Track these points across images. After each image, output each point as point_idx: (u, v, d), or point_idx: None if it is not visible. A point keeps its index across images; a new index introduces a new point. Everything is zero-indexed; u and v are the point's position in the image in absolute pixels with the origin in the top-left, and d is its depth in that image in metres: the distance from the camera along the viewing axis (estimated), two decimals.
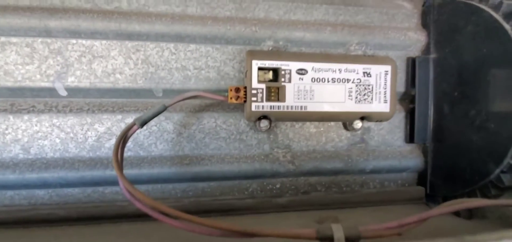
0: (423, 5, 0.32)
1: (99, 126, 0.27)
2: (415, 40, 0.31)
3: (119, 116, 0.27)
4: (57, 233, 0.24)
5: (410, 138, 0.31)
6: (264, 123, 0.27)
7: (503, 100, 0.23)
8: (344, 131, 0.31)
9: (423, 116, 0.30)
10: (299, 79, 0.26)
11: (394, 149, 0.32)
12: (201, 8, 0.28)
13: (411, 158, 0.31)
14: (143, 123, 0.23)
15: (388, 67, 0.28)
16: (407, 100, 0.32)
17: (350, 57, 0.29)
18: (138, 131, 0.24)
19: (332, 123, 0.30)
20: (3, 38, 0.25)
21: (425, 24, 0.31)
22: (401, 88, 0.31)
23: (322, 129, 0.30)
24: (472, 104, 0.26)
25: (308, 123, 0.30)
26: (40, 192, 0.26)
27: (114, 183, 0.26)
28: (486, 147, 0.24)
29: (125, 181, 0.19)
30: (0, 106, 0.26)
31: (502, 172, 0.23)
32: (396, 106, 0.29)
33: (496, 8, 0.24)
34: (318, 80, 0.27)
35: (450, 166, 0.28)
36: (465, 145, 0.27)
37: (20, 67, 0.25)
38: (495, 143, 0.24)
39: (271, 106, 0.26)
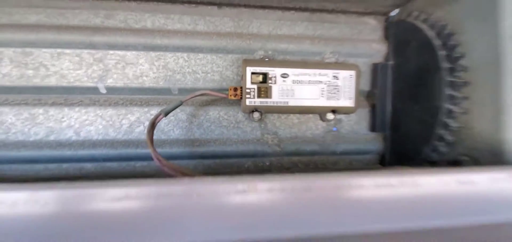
0: (385, 21, 0.39)
1: (130, 116, 0.35)
2: (378, 50, 0.39)
3: (146, 109, 0.35)
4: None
5: (372, 127, 0.39)
6: (256, 115, 0.35)
7: (431, 97, 0.31)
8: (320, 121, 0.39)
9: (382, 111, 0.38)
10: (283, 81, 0.34)
11: (360, 136, 0.40)
12: (207, 26, 0.36)
13: (373, 143, 0.40)
14: (166, 113, 0.32)
15: (352, 72, 0.36)
16: (371, 98, 0.40)
17: (322, 64, 0.37)
18: (160, 120, 0.32)
19: (310, 115, 0.39)
20: (59, 50, 0.34)
21: (386, 37, 0.39)
22: (366, 87, 0.39)
23: (302, 120, 0.39)
24: (415, 102, 0.34)
25: (291, 115, 0.38)
26: (88, 165, 0.35)
27: (143, 159, 0.35)
28: (422, 133, 0.33)
29: (155, 153, 0.27)
30: (58, 101, 0.34)
31: (432, 150, 0.31)
32: (359, 102, 0.37)
33: (431, 27, 0.32)
34: (297, 82, 0.35)
35: (401, 149, 0.37)
36: (411, 133, 0.35)
37: (72, 71, 0.34)
38: (427, 129, 0.32)
39: (261, 101, 0.34)
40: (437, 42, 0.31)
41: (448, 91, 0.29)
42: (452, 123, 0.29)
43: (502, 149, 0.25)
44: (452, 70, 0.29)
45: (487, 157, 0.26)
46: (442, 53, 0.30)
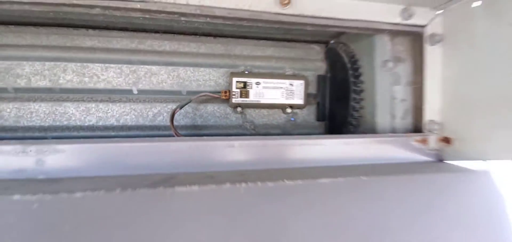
0: (325, 48, 0.59)
1: (154, 109, 0.52)
2: (320, 66, 0.58)
3: (164, 105, 0.52)
4: None
5: (317, 118, 0.59)
6: (239, 109, 0.53)
7: (346, 98, 0.51)
8: (282, 114, 0.58)
9: (323, 107, 0.58)
10: (256, 87, 0.53)
11: (309, 123, 0.59)
12: (206, 49, 0.54)
13: (318, 128, 0.59)
14: (181, 107, 0.49)
15: (303, 81, 0.55)
16: (316, 98, 0.59)
17: (283, 75, 0.55)
18: (177, 111, 0.50)
19: (275, 109, 0.57)
20: (106, 65, 0.50)
21: (325, 58, 0.59)
22: (313, 91, 0.59)
23: (270, 112, 0.57)
24: (340, 101, 0.54)
25: (262, 109, 0.57)
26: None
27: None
28: (343, 119, 0.52)
29: (174, 130, 0.45)
30: (104, 99, 0.50)
31: (348, 129, 0.51)
32: (308, 101, 0.56)
33: (346, 54, 0.52)
34: (266, 87, 0.53)
35: (334, 129, 0.56)
36: (338, 119, 0.54)
37: (115, 79, 0.50)
38: (345, 117, 0.51)
39: (242, 100, 0.52)
40: (348, 64, 0.51)
41: (353, 95, 0.49)
42: (355, 114, 0.49)
43: (375, 127, 0.45)
44: (355, 83, 0.49)
45: (369, 130, 0.46)
46: (350, 72, 0.50)
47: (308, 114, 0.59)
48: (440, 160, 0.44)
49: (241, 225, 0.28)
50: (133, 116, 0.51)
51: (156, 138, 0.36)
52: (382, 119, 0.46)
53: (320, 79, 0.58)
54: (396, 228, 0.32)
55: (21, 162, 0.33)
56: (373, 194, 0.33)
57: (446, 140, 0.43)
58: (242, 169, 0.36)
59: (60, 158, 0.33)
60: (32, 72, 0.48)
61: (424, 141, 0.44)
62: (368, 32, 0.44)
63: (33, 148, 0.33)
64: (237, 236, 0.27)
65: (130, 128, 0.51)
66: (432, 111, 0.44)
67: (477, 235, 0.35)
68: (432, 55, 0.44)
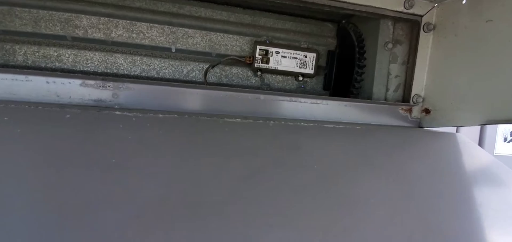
0: (337, 26, 0.68)
1: (188, 67, 0.62)
2: (331, 42, 0.68)
3: (196, 63, 0.62)
4: None
5: (324, 87, 0.69)
6: (259, 73, 0.64)
7: (351, 71, 0.61)
8: (294, 81, 0.68)
9: (330, 78, 0.68)
10: (276, 55, 0.63)
11: (317, 91, 0.70)
12: (235, 18, 0.62)
13: (325, 94, 0.70)
14: (213, 66, 0.59)
15: (315, 54, 0.65)
16: (325, 70, 0.69)
17: (299, 48, 0.65)
18: (210, 70, 0.60)
19: (289, 76, 0.68)
20: (151, 24, 0.59)
21: (336, 36, 0.68)
22: (323, 64, 0.69)
23: (285, 78, 0.68)
24: (345, 73, 0.64)
25: (278, 75, 0.67)
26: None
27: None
28: (346, 88, 0.63)
29: (206, 84, 0.55)
30: (148, 53, 0.60)
31: (350, 96, 0.62)
32: (317, 72, 0.66)
33: (354, 34, 0.61)
34: (284, 56, 0.63)
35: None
36: (342, 88, 0.65)
37: (157, 37, 0.60)
38: (348, 86, 0.62)
39: (263, 65, 0.62)
40: (356, 42, 0.60)
41: (356, 69, 0.59)
42: (356, 85, 0.60)
43: (371, 97, 0.56)
44: (359, 59, 0.59)
45: (366, 99, 0.58)
46: (357, 49, 0.60)
47: (316, 84, 0.70)
48: (420, 127, 0.56)
49: (273, 148, 0.39)
50: (171, 70, 0.62)
51: (201, 86, 0.47)
52: (377, 90, 0.57)
53: (330, 54, 0.68)
54: (378, 164, 0.44)
55: (101, 93, 0.43)
56: (363, 140, 0.45)
57: (426, 111, 0.55)
58: (263, 116, 0.48)
59: (131, 93, 0.44)
60: (88, 25, 0.57)
61: (409, 110, 0.56)
62: (375, 16, 0.53)
63: (111, 84, 0.43)
64: (272, 155, 0.39)
65: (168, 80, 0.61)
66: (418, 86, 0.55)
67: (445, 179, 0.48)
68: (425, 40, 0.54)
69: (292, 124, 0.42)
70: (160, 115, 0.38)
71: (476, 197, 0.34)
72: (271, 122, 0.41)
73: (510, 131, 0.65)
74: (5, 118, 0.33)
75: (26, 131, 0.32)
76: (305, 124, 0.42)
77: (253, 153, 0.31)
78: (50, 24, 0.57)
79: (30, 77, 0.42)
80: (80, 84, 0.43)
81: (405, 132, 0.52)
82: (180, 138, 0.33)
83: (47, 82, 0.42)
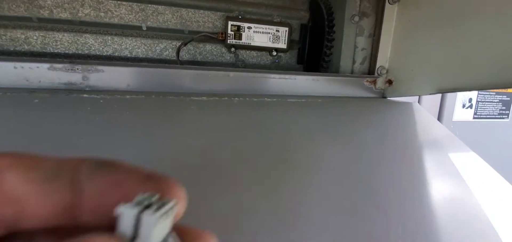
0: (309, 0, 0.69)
1: (161, 45, 0.63)
2: (304, 16, 0.69)
3: (169, 41, 0.63)
4: None
5: (297, 61, 0.72)
6: (233, 49, 0.65)
7: (321, 44, 0.63)
8: (268, 56, 0.70)
9: (303, 52, 0.70)
10: (248, 30, 0.64)
11: (291, 65, 0.72)
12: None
13: (299, 69, 0.72)
14: (185, 44, 0.60)
15: (287, 28, 0.66)
16: (298, 44, 0.71)
17: (271, 22, 0.66)
18: (183, 48, 0.61)
19: (263, 52, 0.69)
20: (119, 2, 0.58)
21: (309, 9, 0.69)
22: (296, 38, 0.70)
23: (259, 54, 0.69)
24: (316, 46, 0.66)
25: (252, 51, 0.68)
26: None
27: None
28: (317, 61, 0.65)
29: (179, 62, 0.57)
30: (118, 32, 0.60)
31: (320, 70, 0.65)
32: (290, 46, 0.68)
33: (325, 7, 0.62)
34: (256, 32, 0.64)
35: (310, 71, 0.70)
36: (313, 62, 0.67)
37: (126, 15, 0.59)
38: (318, 60, 0.64)
39: (235, 41, 0.63)
40: (326, 16, 0.62)
41: (326, 42, 0.61)
42: (326, 58, 0.62)
43: (339, 69, 0.59)
44: (328, 32, 0.61)
45: (335, 72, 0.60)
46: (326, 22, 0.61)
47: (290, 58, 0.72)
48: (384, 97, 0.60)
49: (235, 123, 0.43)
50: (143, 49, 0.62)
51: (171, 65, 0.48)
52: (344, 63, 0.59)
53: (303, 27, 0.69)
54: (331, 132, 0.48)
55: (70, 76, 0.45)
56: (323, 112, 0.48)
57: (389, 82, 0.58)
58: (234, 93, 0.50)
59: (101, 75, 0.45)
60: (53, 5, 0.56)
61: (373, 82, 0.59)
62: None
63: (80, 67, 0.44)
64: (232, 130, 0.42)
65: (141, 59, 0.62)
66: (383, 58, 0.58)
67: (392, 144, 0.52)
68: (390, 12, 0.56)
69: (256, 99, 0.45)
70: (127, 97, 0.40)
71: (416, 159, 0.39)
72: (236, 98, 0.44)
73: (469, 97, 0.70)
74: None
75: None
76: (269, 99, 0.45)
77: (212, 129, 0.34)
78: (13, 6, 0.56)
79: None
80: (48, 68, 0.44)
81: (366, 102, 0.56)
82: (144, 118, 0.35)
83: (15, 67, 0.43)
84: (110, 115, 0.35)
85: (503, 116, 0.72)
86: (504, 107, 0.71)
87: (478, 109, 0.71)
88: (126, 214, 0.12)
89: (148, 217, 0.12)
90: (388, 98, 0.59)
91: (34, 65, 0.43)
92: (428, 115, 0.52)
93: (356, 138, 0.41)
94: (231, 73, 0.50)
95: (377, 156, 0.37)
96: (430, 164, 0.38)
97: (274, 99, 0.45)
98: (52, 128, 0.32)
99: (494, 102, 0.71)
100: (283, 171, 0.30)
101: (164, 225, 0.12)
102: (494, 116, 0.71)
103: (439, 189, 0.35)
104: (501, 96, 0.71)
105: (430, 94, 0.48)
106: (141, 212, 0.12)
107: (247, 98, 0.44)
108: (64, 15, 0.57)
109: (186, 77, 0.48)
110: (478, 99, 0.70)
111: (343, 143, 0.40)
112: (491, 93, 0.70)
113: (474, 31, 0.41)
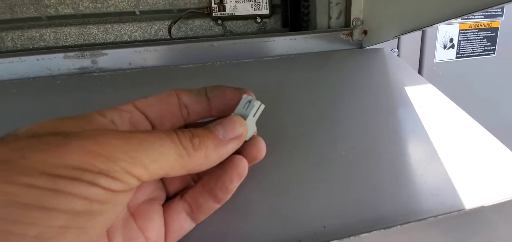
0: None
1: (155, 26, 0.71)
2: None
3: (161, 22, 0.70)
4: None
5: (283, 25, 0.77)
6: (219, 21, 0.72)
7: (300, 6, 0.68)
8: (254, 23, 0.76)
9: (285, 15, 0.75)
10: (230, 1, 0.70)
11: (276, 29, 0.78)
12: None
13: (284, 31, 0.78)
14: (174, 22, 0.67)
15: None
16: (281, 8, 0.76)
17: None
18: (173, 26, 0.68)
19: (248, 20, 0.75)
20: None
21: None
22: (278, 2, 0.75)
23: (245, 23, 0.75)
24: (296, 10, 0.71)
25: (239, 21, 0.75)
26: None
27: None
28: (299, 22, 0.71)
29: (171, 40, 0.65)
30: (116, 20, 0.68)
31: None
32: (272, 11, 0.73)
33: None
34: (238, 1, 0.70)
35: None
36: (296, 24, 0.73)
37: (120, 3, 0.67)
38: (299, 21, 0.70)
39: (220, 14, 0.70)
40: None
41: (303, 1, 0.66)
42: (305, 18, 0.68)
43: (317, 26, 0.65)
44: None
45: (313, 29, 0.66)
46: None
47: (275, 23, 0.77)
48: (361, 47, 0.65)
49: (212, 81, 0.51)
50: (140, 33, 0.70)
51: (162, 41, 0.57)
52: (321, 19, 0.65)
53: None
54: (326, 85, 0.56)
55: (82, 62, 0.54)
56: (300, 65, 0.55)
57: (365, 32, 0.63)
58: (219, 60, 0.58)
59: (106, 58, 0.55)
60: (56, 2, 0.65)
61: (350, 34, 0.64)
62: None
63: (88, 53, 0.54)
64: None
65: (139, 41, 0.71)
66: (357, 11, 0.63)
67: (376, 88, 0.59)
68: None
69: (235, 62, 0.52)
70: (128, 71, 0.49)
71: (379, 104, 0.46)
72: (218, 62, 0.52)
73: (450, 37, 0.72)
74: (14, 90, 0.45)
75: (31, 97, 0.44)
76: (246, 60, 0.53)
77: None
78: (24, 8, 0.65)
79: (23, 58, 0.53)
80: (63, 57, 0.54)
81: (343, 54, 0.62)
82: (142, 85, 0.45)
83: (37, 60, 0.53)
84: (116, 86, 0.44)
85: (489, 52, 0.74)
86: (489, 43, 0.73)
87: (460, 48, 0.73)
88: (242, 101, 0.24)
89: (255, 101, 0.24)
90: (366, 48, 0.65)
91: (52, 56, 0.53)
92: (396, 58, 0.57)
93: (321, 83, 0.48)
94: (216, 43, 0.58)
95: (348, 97, 0.45)
96: (388, 97, 0.45)
97: (251, 60, 0.52)
98: (75, 97, 0.42)
99: (478, 39, 0.73)
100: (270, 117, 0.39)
101: (260, 108, 0.24)
102: (479, 53, 0.73)
103: (390, 118, 0.42)
104: (484, 32, 0.72)
105: (394, 37, 0.53)
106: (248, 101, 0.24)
107: (228, 62, 0.52)
108: (68, 11, 0.66)
109: (176, 51, 0.57)
110: (460, 39, 0.72)
111: (307, 88, 0.48)
112: (473, 30, 0.71)
113: None
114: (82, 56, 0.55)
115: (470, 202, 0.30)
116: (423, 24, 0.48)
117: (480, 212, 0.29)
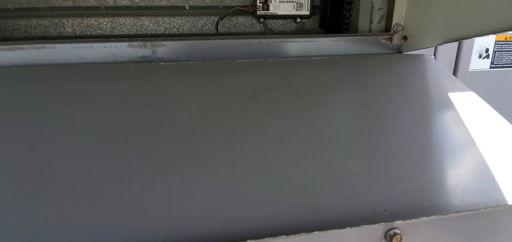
0: None
1: (201, 21, 0.76)
2: None
3: (208, 17, 0.75)
4: None
5: (320, 25, 0.81)
6: (262, 20, 0.76)
7: (341, 9, 0.72)
8: (294, 23, 0.80)
9: (325, 17, 0.79)
10: (274, 1, 0.74)
11: (314, 30, 0.82)
12: None
13: (321, 32, 0.82)
14: (221, 18, 0.72)
15: None
16: (321, 10, 0.80)
17: None
18: (220, 22, 0.73)
19: (288, 20, 0.79)
20: None
21: None
22: (318, 4, 0.79)
23: (285, 22, 0.80)
24: (337, 11, 0.75)
25: (279, 20, 0.79)
26: None
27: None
28: (338, 25, 0.75)
29: (218, 33, 0.70)
30: (167, 13, 0.74)
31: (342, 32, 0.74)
32: (312, 12, 0.77)
33: None
34: (282, 1, 0.74)
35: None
36: (336, 26, 0.77)
37: None
38: (340, 23, 0.74)
39: (264, 12, 0.74)
40: None
41: (345, 5, 0.70)
42: (346, 20, 0.71)
43: (358, 30, 0.68)
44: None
45: (354, 32, 0.70)
46: None
47: (313, 23, 0.81)
48: (400, 52, 0.69)
49: (268, 75, 0.56)
50: (188, 26, 0.76)
51: (215, 37, 0.62)
52: (363, 23, 0.68)
53: None
54: (348, 83, 0.60)
55: (144, 51, 0.60)
56: (346, 66, 0.59)
57: (404, 38, 0.67)
58: (266, 56, 0.63)
59: (164, 49, 0.60)
60: None
61: (390, 39, 0.68)
62: None
63: (149, 43, 0.59)
64: (263, 80, 0.56)
65: (187, 34, 0.76)
66: (398, 17, 0.66)
67: (418, 89, 0.63)
68: None
69: (286, 59, 0.57)
70: (190, 63, 0.55)
71: (424, 107, 0.50)
72: (270, 59, 0.56)
73: (485, 48, 0.75)
74: (93, 74, 0.51)
75: (107, 81, 0.50)
76: (296, 59, 0.57)
77: (254, 80, 0.48)
78: None
79: (93, 44, 0.59)
80: (128, 46, 0.60)
81: (382, 57, 0.66)
82: (208, 77, 0.50)
83: (105, 47, 0.59)
84: (183, 77, 0.50)
85: None
86: None
87: (495, 59, 0.75)
88: None
89: None
90: (404, 53, 0.68)
91: (118, 44, 0.59)
92: (437, 65, 0.60)
93: (369, 85, 0.52)
94: (264, 40, 0.63)
95: (387, 99, 0.49)
96: (432, 103, 0.49)
97: (301, 59, 0.57)
98: (149, 85, 0.48)
99: None
100: (309, 108, 0.43)
101: None
102: None
103: (434, 121, 0.46)
104: None
105: (437, 45, 0.57)
106: None
107: (279, 59, 0.56)
108: (125, 2, 0.72)
109: (227, 46, 0.62)
110: (495, 49, 0.75)
111: (357, 88, 0.52)
112: (509, 42, 0.73)
113: None
114: (144, 46, 0.60)
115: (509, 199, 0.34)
116: (466, 35, 0.51)
117: None
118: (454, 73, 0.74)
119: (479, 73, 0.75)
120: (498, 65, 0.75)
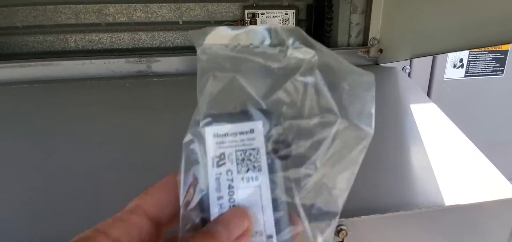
0: None
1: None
2: None
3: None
4: None
5: (308, 32, 0.87)
6: None
7: (323, 19, 0.78)
8: None
9: (309, 30, 0.85)
10: (262, 16, 0.80)
11: None
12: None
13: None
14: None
15: (294, 10, 0.81)
16: (307, 21, 0.86)
17: (280, 6, 0.81)
18: None
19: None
20: (160, 4, 0.78)
21: None
22: (304, 18, 0.85)
23: None
24: (319, 26, 0.81)
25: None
26: None
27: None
28: (320, 38, 0.81)
29: None
30: (162, 28, 0.80)
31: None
32: (298, 25, 0.83)
33: None
34: (268, 16, 0.81)
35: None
36: (318, 40, 0.83)
37: (167, 13, 0.79)
38: (321, 37, 0.80)
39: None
40: None
41: (326, 20, 0.76)
42: (327, 34, 0.77)
43: (337, 44, 0.74)
44: (328, 12, 0.75)
45: (334, 46, 0.76)
46: (326, 3, 0.76)
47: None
48: (376, 64, 0.75)
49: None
50: (182, 40, 0.82)
51: None
52: (341, 38, 0.74)
53: (309, 8, 0.83)
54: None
55: (139, 66, 0.67)
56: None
57: (380, 51, 0.73)
58: None
59: (158, 64, 0.67)
60: (115, 12, 0.78)
61: (367, 52, 0.74)
62: None
63: (144, 59, 0.66)
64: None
65: (181, 48, 0.83)
66: (374, 31, 0.72)
67: (391, 101, 0.69)
68: None
69: None
70: (180, 78, 0.61)
71: (384, 115, 0.56)
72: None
73: (459, 58, 0.80)
74: (94, 90, 0.58)
75: (106, 96, 0.57)
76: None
77: None
78: (87, 15, 0.78)
79: (93, 61, 0.66)
80: (125, 62, 0.67)
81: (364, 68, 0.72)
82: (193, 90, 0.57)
83: (104, 63, 0.66)
84: (172, 90, 0.57)
85: (497, 72, 0.80)
86: (498, 65, 0.80)
87: (470, 68, 0.80)
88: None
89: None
90: (381, 65, 0.74)
91: (116, 60, 0.66)
92: (404, 75, 0.66)
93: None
94: None
95: None
96: (394, 112, 0.55)
97: None
98: (139, 95, 0.55)
99: (487, 60, 0.79)
100: None
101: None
102: (487, 73, 0.80)
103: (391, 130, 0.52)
104: (494, 54, 0.79)
105: (405, 59, 0.62)
106: None
107: None
108: (123, 19, 0.79)
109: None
110: (469, 59, 0.80)
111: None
112: (483, 52, 0.78)
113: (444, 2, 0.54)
114: (140, 61, 0.67)
115: (448, 201, 0.40)
116: (434, 51, 0.57)
117: (456, 209, 0.39)
118: (430, 82, 0.79)
119: (453, 81, 0.80)
120: (473, 74, 0.80)
